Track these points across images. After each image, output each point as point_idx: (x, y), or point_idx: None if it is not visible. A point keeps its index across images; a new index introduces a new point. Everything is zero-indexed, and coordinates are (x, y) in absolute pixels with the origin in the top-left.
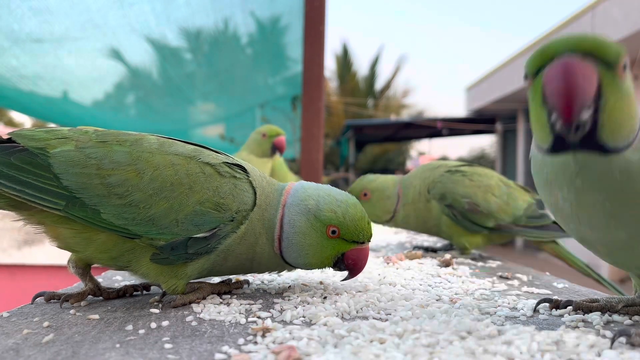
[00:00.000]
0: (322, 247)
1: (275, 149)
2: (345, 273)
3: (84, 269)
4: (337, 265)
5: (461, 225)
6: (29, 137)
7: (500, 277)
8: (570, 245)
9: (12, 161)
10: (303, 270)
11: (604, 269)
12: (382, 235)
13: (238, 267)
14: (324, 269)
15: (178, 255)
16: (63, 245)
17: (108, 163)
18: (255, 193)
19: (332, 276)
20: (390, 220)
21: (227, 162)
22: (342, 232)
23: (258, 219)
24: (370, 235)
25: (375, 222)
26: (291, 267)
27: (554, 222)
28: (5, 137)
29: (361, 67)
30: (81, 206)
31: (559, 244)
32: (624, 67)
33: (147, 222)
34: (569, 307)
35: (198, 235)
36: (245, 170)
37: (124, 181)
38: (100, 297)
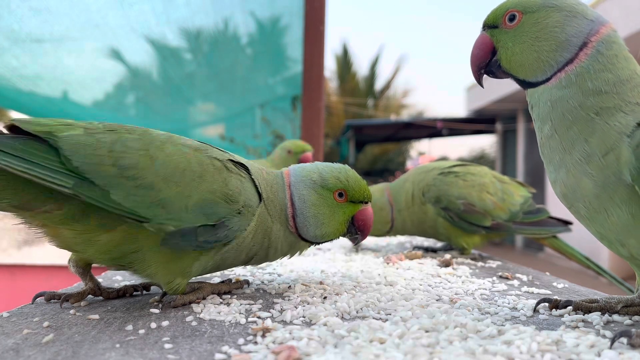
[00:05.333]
0: (334, 212)
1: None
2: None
3: (84, 268)
4: (349, 232)
5: (458, 227)
6: (34, 123)
7: (500, 277)
8: (570, 239)
9: (17, 145)
10: (304, 269)
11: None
12: None
13: (251, 259)
14: (338, 238)
15: (188, 242)
16: (64, 246)
17: (120, 146)
18: (258, 191)
19: (332, 276)
20: (391, 230)
21: (232, 160)
22: (349, 194)
23: (267, 212)
24: (371, 196)
25: (377, 236)
26: (307, 243)
27: (551, 217)
28: (7, 123)
29: (361, 67)
30: (90, 186)
31: (559, 239)
32: (511, 19)
33: (156, 206)
34: (569, 307)
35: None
36: (248, 169)
37: (136, 164)
38: (100, 297)
